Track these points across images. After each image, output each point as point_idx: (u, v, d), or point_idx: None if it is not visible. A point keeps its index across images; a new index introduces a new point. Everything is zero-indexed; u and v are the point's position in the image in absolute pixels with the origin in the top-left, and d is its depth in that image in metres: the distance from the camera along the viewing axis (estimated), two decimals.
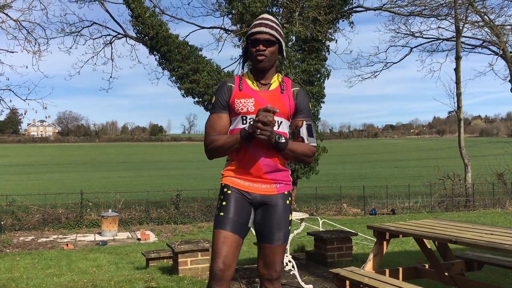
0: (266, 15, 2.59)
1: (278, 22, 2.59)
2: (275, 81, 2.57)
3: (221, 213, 2.44)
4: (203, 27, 18.68)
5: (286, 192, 2.55)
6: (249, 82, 2.55)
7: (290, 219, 2.53)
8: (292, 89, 2.57)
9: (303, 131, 2.49)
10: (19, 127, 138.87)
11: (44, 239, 11.91)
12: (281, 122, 2.48)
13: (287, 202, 2.53)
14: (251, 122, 2.38)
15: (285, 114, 2.50)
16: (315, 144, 2.52)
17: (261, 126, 2.26)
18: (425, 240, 3.96)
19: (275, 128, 2.45)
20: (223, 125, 2.52)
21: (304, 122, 2.51)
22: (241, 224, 2.44)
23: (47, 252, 9.10)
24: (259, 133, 2.27)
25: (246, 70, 2.64)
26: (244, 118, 2.47)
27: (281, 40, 2.54)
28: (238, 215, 2.44)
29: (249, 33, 2.53)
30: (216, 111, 2.53)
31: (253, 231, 2.61)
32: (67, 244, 10.58)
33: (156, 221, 14.49)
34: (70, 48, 17.05)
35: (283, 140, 2.36)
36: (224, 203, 2.46)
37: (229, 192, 2.48)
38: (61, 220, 14.22)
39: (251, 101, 2.47)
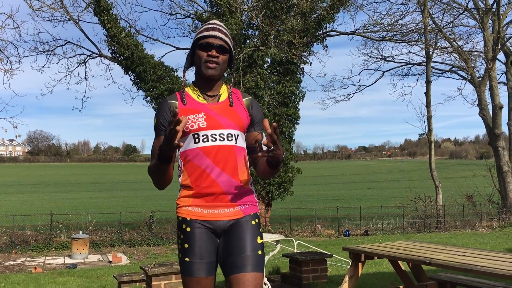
0: (218, 21, 2.32)
1: (229, 31, 2.34)
2: (224, 91, 2.30)
3: (186, 259, 2.15)
4: (179, 48, 18.76)
5: (252, 214, 2.23)
6: (193, 95, 2.26)
7: (260, 242, 2.20)
8: (244, 99, 2.32)
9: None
10: None
11: (11, 262, 11.50)
12: (238, 135, 2.22)
13: (253, 222, 2.20)
14: (206, 135, 2.15)
15: (241, 127, 2.24)
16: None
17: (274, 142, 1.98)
18: (399, 261, 4.01)
19: (233, 143, 2.19)
20: None
21: (264, 133, 2.26)
22: (209, 263, 2.16)
23: (14, 276, 8.79)
24: (272, 154, 1.99)
25: (188, 81, 2.39)
26: (196, 136, 2.17)
27: (232, 49, 2.30)
28: (205, 255, 2.15)
29: (199, 36, 2.23)
30: (157, 134, 2.23)
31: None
32: (35, 267, 10.24)
33: (128, 243, 14.19)
34: (43, 67, 16.81)
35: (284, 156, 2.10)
36: (186, 245, 2.16)
37: (188, 229, 2.17)
38: (29, 242, 13.77)
39: (201, 116, 2.18)
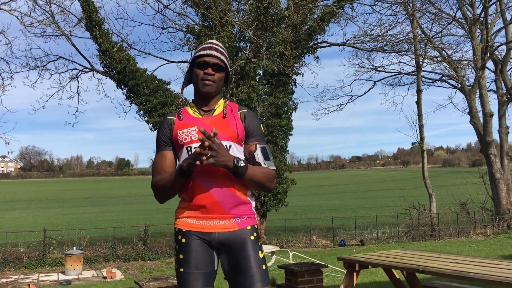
0: (215, 41, 2.44)
1: (225, 50, 2.44)
2: (220, 106, 2.38)
3: (181, 269, 2.20)
4: (171, 62, 18.83)
5: (249, 227, 2.24)
6: (190, 111, 2.37)
7: (262, 257, 2.24)
8: (239, 112, 2.37)
9: (258, 155, 2.27)
10: None
11: (5, 280, 11.38)
12: (230, 146, 2.25)
13: (252, 237, 2.23)
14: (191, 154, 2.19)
15: (233, 138, 2.28)
16: (274, 167, 2.30)
17: (201, 151, 2.04)
18: (393, 270, 4.03)
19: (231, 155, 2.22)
20: (168, 164, 2.31)
21: (258, 146, 2.30)
22: (205, 274, 2.19)
23: None
24: (208, 159, 2.05)
25: (182, 102, 2.44)
26: (188, 148, 2.26)
27: (229, 68, 2.39)
28: (200, 266, 2.18)
29: (197, 54, 2.34)
30: (158, 149, 2.35)
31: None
32: (29, 285, 10.13)
33: (122, 258, 14.09)
34: (35, 82, 16.78)
35: (243, 164, 2.14)
36: (181, 256, 2.21)
37: (183, 240, 2.22)
38: (22, 259, 13.63)
39: (194, 129, 2.27)
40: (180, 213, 2.29)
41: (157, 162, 2.32)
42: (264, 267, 2.23)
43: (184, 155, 2.28)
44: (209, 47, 2.34)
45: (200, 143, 2.09)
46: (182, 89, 2.46)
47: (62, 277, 11.57)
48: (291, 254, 9.34)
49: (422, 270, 3.36)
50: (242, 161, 2.14)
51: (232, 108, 2.38)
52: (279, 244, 15.62)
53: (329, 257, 11.69)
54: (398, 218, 18.06)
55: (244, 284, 2.16)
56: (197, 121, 2.31)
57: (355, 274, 4.08)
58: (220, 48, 2.36)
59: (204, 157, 2.06)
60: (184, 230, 2.24)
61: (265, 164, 2.25)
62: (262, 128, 2.42)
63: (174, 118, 2.36)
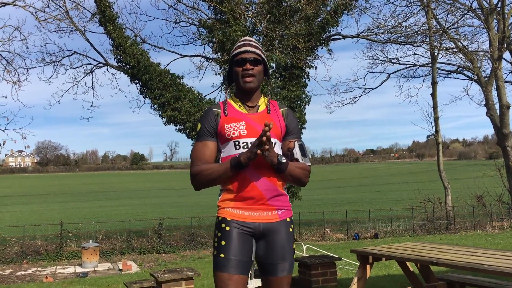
0: (248, 37, 2.55)
1: (260, 44, 2.57)
2: (262, 103, 2.49)
3: (221, 255, 2.30)
4: (184, 56, 18.86)
5: (288, 219, 2.42)
6: (235, 106, 2.45)
7: (293, 247, 2.43)
8: (281, 110, 2.50)
9: (297, 152, 2.41)
10: None
11: (23, 272, 11.59)
12: (275, 143, 2.39)
13: (290, 230, 2.41)
14: (249, 148, 2.30)
15: (277, 135, 2.42)
16: (309, 164, 2.45)
17: (266, 147, 2.17)
18: (407, 262, 4.01)
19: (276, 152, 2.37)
20: (210, 154, 2.40)
21: (296, 143, 2.44)
22: (244, 262, 2.31)
23: (26, 286, 8.86)
24: (267, 155, 2.19)
25: (229, 96, 2.53)
26: (236, 143, 2.36)
27: (266, 60, 2.48)
28: (240, 254, 2.30)
29: (234, 53, 2.45)
30: (202, 139, 2.42)
31: (256, 265, 2.50)
32: (46, 277, 10.32)
33: (138, 251, 14.25)
34: (50, 77, 16.97)
35: (285, 161, 2.29)
36: (223, 242, 2.31)
37: (227, 228, 2.33)
38: (40, 252, 13.87)
39: (242, 125, 2.37)
40: (225, 204, 2.38)
41: (200, 150, 2.41)
42: (294, 256, 2.43)
43: (230, 148, 2.38)
44: (243, 44, 2.45)
45: (257, 138, 2.23)
46: (226, 90, 2.56)
47: (78, 269, 11.74)
48: (304, 247, 9.34)
49: (436, 262, 3.34)
50: (284, 158, 2.29)
51: (275, 106, 2.50)
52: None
53: (343, 250, 11.67)
54: (413, 212, 17.94)
55: (275, 268, 2.33)
56: (244, 116, 2.41)
57: (368, 266, 4.07)
58: (254, 43, 2.47)
59: (265, 152, 2.19)
60: (229, 219, 2.35)
61: (302, 161, 2.41)
62: (299, 126, 2.60)
63: (220, 111, 2.43)
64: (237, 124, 2.38)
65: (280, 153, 2.43)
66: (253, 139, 2.34)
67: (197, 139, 2.45)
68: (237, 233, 2.33)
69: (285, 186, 2.46)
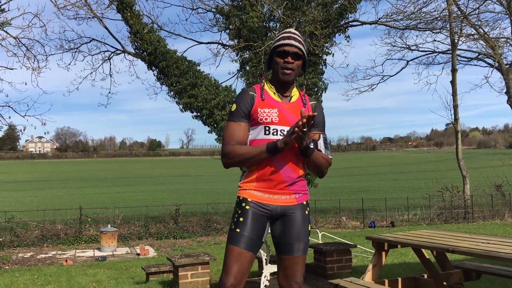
0: (293, 30, 2.61)
1: (303, 38, 2.62)
2: (295, 94, 2.61)
3: (238, 230, 2.43)
4: (200, 43, 18.84)
5: (304, 202, 2.54)
6: (270, 92, 2.55)
7: (309, 229, 2.54)
8: (311, 103, 2.64)
9: (321, 144, 2.52)
10: (17, 144, 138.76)
11: (43, 255, 11.87)
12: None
13: (306, 212, 2.53)
14: (285, 133, 2.40)
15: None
16: (331, 157, 2.56)
17: (301, 128, 2.27)
18: (423, 250, 4.00)
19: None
20: (242, 135, 2.49)
21: (321, 135, 2.55)
22: (255, 241, 2.44)
23: (46, 268, 9.07)
24: (298, 134, 2.28)
25: (265, 80, 2.60)
26: (267, 128, 2.46)
27: (306, 56, 2.58)
28: (254, 233, 2.43)
29: (277, 44, 2.53)
30: (235, 119, 2.50)
31: (272, 243, 2.61)
32: (66, 260, 10.55)
33: (155, 236, 14.46)
34: (69, 64, 17.15)
35: (312, 146, 2.41)
36: (241, 219, 2.44)
37: (247, 207, 2.46)
38: (60, 236, 14.17)
39: (275, 112, 2.47)
40: (247, 186, 2.50)
41: (234, 130, 2.49)
42: (309, 237, 2.54)
43: (259, 132, 2.47)
44: (288, 37, 2.52)
45: (294, 124, 2.33)
46: (264, 75, 2.61)
47: (97, 253, 11.97)
48: (320, 235, 9.37)
49: (452, 250, 3.33)
50: (312, 144, 2.42)
51: (306, 99, 2.63)
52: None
53: (358, 238, 11.67)
54: (430, 200, 17.80)
55: (291, 247, 2.46)
56: (277, 104, 2.51)
57: (383, 253, 4.07)
58: (297, 37, 2.54)
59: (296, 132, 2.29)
60: (249, 199, 2.47)
61: (325, 152, 2.51)
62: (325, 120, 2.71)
63: (255, 94, 2.52)
64: (271, 110, 2.47)
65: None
66: (284, 127, 2.46)
67: (231, 119, 2.53)
68: (254, 213, 2.45)
69: (305, 172, 2.57)
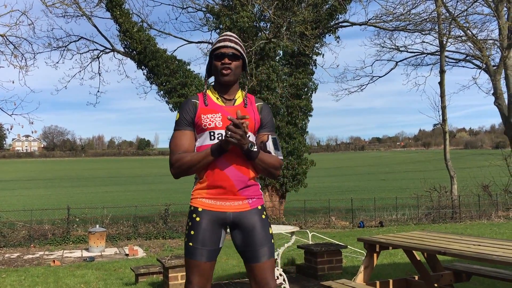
0: (229, 32, 2.64)
1: (240, 40, 2.63)
2: (239, 96, 2.58)
3: (190, 243, 2.44)
4: (191, 42, 18.79)
5: (259, 207, 2.49)
6: (213, 98, 2.54)
7: (271, 232, 2.50)
8: (257, 104, 2.59)
9: (270, 145, 2.48)
10: (4, 142, 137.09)
11: (30, 256, 11.73)
12: (249, 136, 2.45)
13: (263, 216, 2.49)
14: (221, 133, 2.40)
15: (251, 129, 2.50)
16: (282, 157, 2.53)
17: (232, 128, 2.26)
18: (414, 252, 4.02)
19: (249, 139, 2.44)
20: (188, 143, 2.48)
21: (270, 136, 2.52)
22: (210, 251, 2.43)
23: (33, 269, 8.96)
24: (229, 135, 2.27)
25: (207, 87, 2.60)
26: (211, 133, 2.45)
27: (244, 56, 2.57)
28: (207, 243, 2.42)
29: (213, 47, 2.54)
30: (180, 128, 2.51)
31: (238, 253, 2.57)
32: (53, 261, 10.43)
33: (144, 236, 14.36)
34: (57, 62, 16.99)
35: (255, 149, 2.37)
36: (192, 232, 2.44)
37: (197, 219, 2.44)
38: (47, 236, 14.01)
39: (218, 116, 2.46)
40: (198, 194, 2.48)
41: (179, 139, 2.49)
42: (272, 241, 2.50)
43: (205, 139, 2.46)
44: (224, 39, 2.53)
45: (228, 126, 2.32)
46: (206, 81, 2.64)
47: (85, 253, 11.86)
48: (310, 235, 9.37)
49: (444, 252, 3.34)
50: (255, 147, 2.37)
51: (251, 100, 2.59)
52: (298, 224, 15.69)
53: (348, 238, 11.70)
54: (418, 200, 17.91)
55: (256, 254, 2.42)
56: (220, 108, 2.49)
57: (375, 255, 4.08)
58: (234, 39, 2.55)
59: (229, 134, 2.28)
60: (200, 209, 2.45)
61: (274, 153, 2.48)
62: (273, 120, 2.66)
63: (198, 101, 2.52)
64: (214, 115, 2.47)
65: None
66: None
67: (176, 128, 2.53)
68: (206, 223, 2.43)
69: (257, 177, 2.53)
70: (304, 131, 17.39)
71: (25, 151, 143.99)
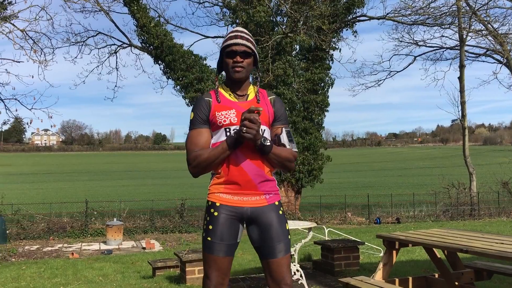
0: (240, 28, 2.61)
1: (251, 35, 2.61)
2: (252, 91, 2.58)
3: (208, 238, 2.44)
4: (207, 37, 18.80)
5: (276, 203, 2.51)
6: (225, 94, 2.55)
7: (287, 228, 2.51)
8: (269, 97, 2.59)
9: (284, 138, 2.49)
10: (23, 136, 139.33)
11: (49, 248, 11.91)
12: (264, 130, 2.47)
13: (280, 212, 2.50)
14: (237, 129, 2.38)
15: (266, 122, 2.50)
16: (296, 150, 2.52)
17: (248, 123, 2.26)
18: (434, 249, 3.96)
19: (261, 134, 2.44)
20: (205, 140, 2.49)
21: (283, 129, 2.52)
22: (228, 245, 2.44)
23: (53, 261, 9.10)
24: (245, 131, 2.27)
25: (219, 84, 2.61)
26: (227, 130, 2.45)
27: (256, 52, 2.56)
28: (225, 238, 2.43)
29: (224, 45, 2.53)
30: (195, 126, 2.51)
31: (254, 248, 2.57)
32: (72, 253, 10.58)
33: (160, 230, 14.48)
34: (75, 57, 17.16)
35: (268, 143, 2.37)
36: (210, 226, 2.45)
37: (215, 214, 2.45)
38: (66, 229, 14.21)
39: (233, 112, 2.47)
40: (215, 189, 2.49)
41: (195, 137, 2.49)
42: (289, 237, 2.51)
43: (221, 135, 2.47)
44: (235, 36, 2.51)
45: (241, 118, 2.32)
46: (216, 77, 2.65)
47: (103, 246, 12.00)
48: (326, 231, 9.33)
49: (466, 250, 3.28)
50: (268, 141, 2.39)
51: (263, 95, 2.59)
52: (314, 220, 15.64)
53: (364, 234, 11.63)
54: (436, 197, 17.72)
55: (273, 250, 2.43)
56: (234, 104, 2.50)
57: (394, 252, 4.03)
58: (245, 35, 2.54)
59: (244, 130, 2.28)
60: (218, 204, 2.46)
61: (289, 146, 2.47)
62: (286, 113, 2.69)
63: (211, 99, 2.53)
64: (228, 112, 2.47)
65: (270, 139, 2.52)
66: None
67: (191, 128, 2.54)
68: (224, 218, 2.44)
69: (274, 172, 2.54)
70: (320, 127, 17.28)
71: (44, 145, 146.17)
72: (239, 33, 2.53)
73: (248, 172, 2.41)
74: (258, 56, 2.61)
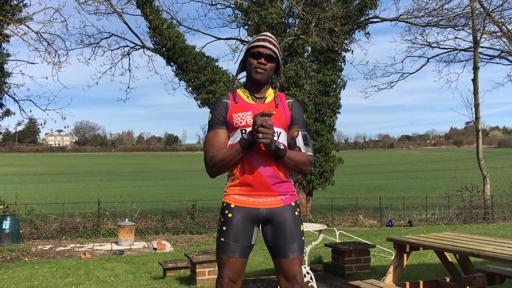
0: (269, 33, 2.65)
1: (278, 43, 2.64)
2: (270, 94, 2.60)
3: (222, 239, 2.46)
4: (219, 38, 18.86)
5: (293, 204, 2.52)
6: (243, 96, 2.57)
7: (302, 229, 2.51)
8: (287, 101, 2.61)
9: (299, 141, 2.50)
10: (37, 137, 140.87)
11: (62, 248, 12.02)
12: (280, 133, 2.50)
13: (296, 213, 2.50)
14: (249, 130, 2.40)
15: (283, 125, 2.52)
16: (311, 153, 2.53)
17: (263, 129, 2.27)
18: (446, 253, 3.93)
19: (275, 139, 2.46)
20: (222, 141, 2.52)
21: (300, 132, 2.54)
22: (242, 247, 2.45)
23: (65, 261, 9.18)
24: (261, 137, 2.28)
25: (237, 86, 2.64)
26: (243, 131, 2.47)
27: (280, 59, 2.60)
28: (239, 239, 2.44)
29: (251, 45, 2.57)
30: (213, 127, 2.55)
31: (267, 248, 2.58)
32: (84, 253, 10.67)
33: (171, 231, 14.53)
34: (89, 59, 17.37)
35: (282, 147, 2.39)
36: (224, 228, 2.46)
37: (229, 215, 2.46)
38: (78, 229, 14.34)
39: (249, 114, 2.49)
40: (231, 191, 2.50)
41: (213, 138, 2.53)
42: (303, 238, 2.52)
43: (237, 136, 2.49)
44: (263, 39, 2.55)
45: (254, 122, 2.32)
46: (236, 75, 2.66)
47: (115, 247, 12.08)
48: (337, 233, 9.29)
49: (477, 254, 3.25)
50: (282, 145, 2.39)
51: (281, 98, 2.61)
52: (325, 222, 15.58)
53: (376, 237, 11.56)
54: (449, 200, 17.55)
55: (286, 250, 2.44)
56: (251, 107, 2.52)
57: (405, 255, 4.00)
58: (273, 41, 2.57)
59: (261, 136, 2.28)
60: (232, 205, 2.47)
61: (304, 150, 2.49)
62: (304, 117, 2.68)
63: (229, 101, 2.56)
64: (245, 113, 2.50)
65: (286, 142, 2.54)
66: None
67: (209, 129, 2.58)
68: (239, 219, 2.45)
69: (289, 174, 2.54)
70: (332, 128, 17.23)
71: (57, 145, 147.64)
72: (267, 37, 2.58)
73: (262, 173, 2.42)
74: (281, 65, 2.65)
